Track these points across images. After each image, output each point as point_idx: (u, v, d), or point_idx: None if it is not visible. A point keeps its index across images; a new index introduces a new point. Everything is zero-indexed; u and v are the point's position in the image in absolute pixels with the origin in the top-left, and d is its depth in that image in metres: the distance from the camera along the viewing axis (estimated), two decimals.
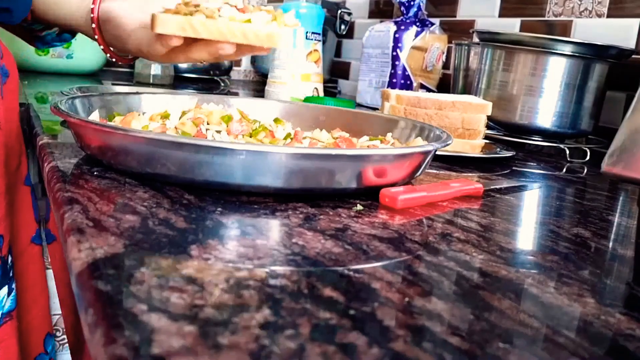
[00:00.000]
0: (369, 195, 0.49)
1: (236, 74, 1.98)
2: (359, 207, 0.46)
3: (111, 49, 0.67)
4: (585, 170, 0.80)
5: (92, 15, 0.62)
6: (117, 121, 0.58)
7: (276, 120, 0.63)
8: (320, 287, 0.30)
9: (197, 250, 0.33)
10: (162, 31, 0.55)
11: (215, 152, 0.43)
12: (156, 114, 0.62)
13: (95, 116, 0.59)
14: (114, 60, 0.69)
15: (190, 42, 0.58)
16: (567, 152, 0.85)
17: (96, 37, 0.63)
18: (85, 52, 1.42)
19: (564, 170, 0.79)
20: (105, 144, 0.48)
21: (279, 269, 0.32)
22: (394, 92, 0.81)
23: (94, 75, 1.49)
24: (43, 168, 0.53)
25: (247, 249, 0.35)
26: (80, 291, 0.29)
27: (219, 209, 0.42)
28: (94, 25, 0.63)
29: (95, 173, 0.48)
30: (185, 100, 0.67)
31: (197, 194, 0.45)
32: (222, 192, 0.46)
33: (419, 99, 0.79)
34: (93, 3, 0.62)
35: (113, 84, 1.38)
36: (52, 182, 0.47)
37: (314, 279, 0.31)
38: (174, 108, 0.63)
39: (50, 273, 0.80)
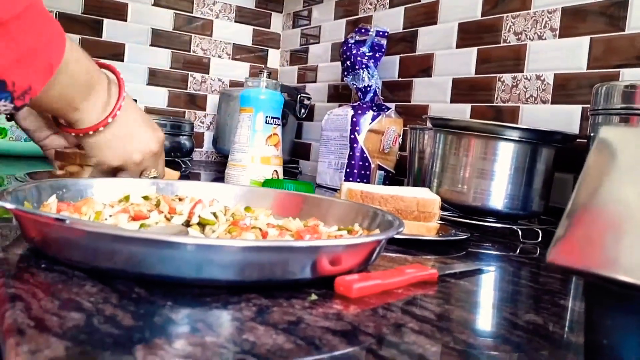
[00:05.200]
0: (325, 283, 0.49)
1: (198, 155, 2.00)
2: (314, 296, 0.46)
3: None
4: (538, 251, 0.82)
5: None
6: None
7: (247, 208, 0.64)
8: None
9: (142, 350, 0.32)
10: None
11: (159, 246, 0.42)
12: (115, 201, 0.61)
13: (54, 203, 0.57)
14: None
15: None
16: (520, 233, 0.88)
17: None
18: None
19: (518, 251, 0.81)
20: (46, 237, 0.47)
21: None
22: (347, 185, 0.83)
23: None
24: None
25: (195, 347, 0.34)
26: None
27: (169, 302, 0.41)
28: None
29: (42, 266, 0.47)
30: (140, 186, 0.66)
31: (147, 287, 0.44)
32: (174, 284, 0.45)
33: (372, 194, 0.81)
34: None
35: None
36: None
37: None
38: (132, 194, 0.62)
39: None
